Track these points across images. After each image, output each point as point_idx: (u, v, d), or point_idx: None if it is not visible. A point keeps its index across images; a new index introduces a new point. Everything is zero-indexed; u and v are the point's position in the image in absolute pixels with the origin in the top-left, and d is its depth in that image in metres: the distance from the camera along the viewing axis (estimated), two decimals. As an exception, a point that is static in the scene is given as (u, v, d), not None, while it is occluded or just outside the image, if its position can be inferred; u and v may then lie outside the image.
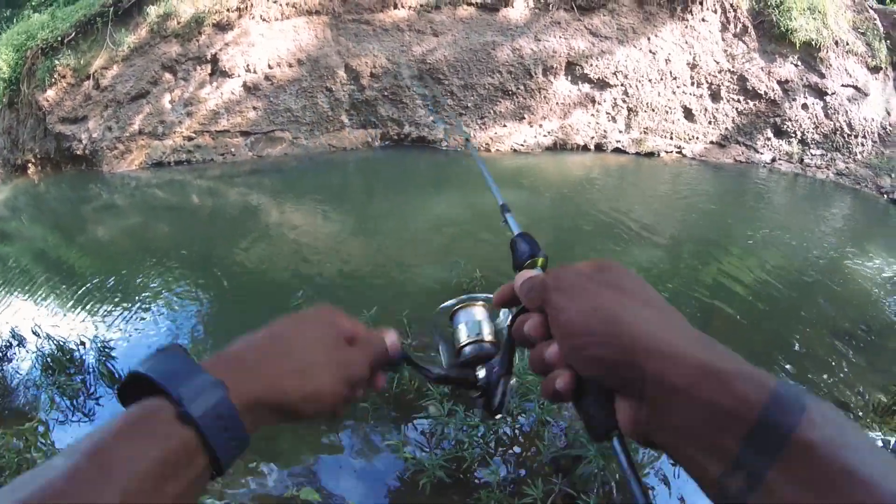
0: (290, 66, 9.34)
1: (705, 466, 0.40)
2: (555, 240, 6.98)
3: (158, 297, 5.28)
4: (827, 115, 11.36)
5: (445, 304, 0.78)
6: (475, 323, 0.74)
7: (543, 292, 0.55)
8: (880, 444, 3.66)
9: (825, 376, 4.56)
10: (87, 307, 5.21)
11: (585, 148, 10.73)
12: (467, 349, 0.73)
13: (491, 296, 0.70)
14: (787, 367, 4.66)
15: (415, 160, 9.63)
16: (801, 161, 11.46)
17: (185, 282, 5.55)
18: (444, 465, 3.09)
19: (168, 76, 9.06)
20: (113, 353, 4.27)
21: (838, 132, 11.47)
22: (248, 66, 9.07)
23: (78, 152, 9.24)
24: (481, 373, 0.71)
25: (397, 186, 8.59)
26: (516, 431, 3.54)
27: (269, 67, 9.22)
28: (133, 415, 0.47)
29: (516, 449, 3.45)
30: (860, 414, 4.17)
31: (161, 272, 5.75)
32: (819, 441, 0.36)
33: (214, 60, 9.03)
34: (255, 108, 9.03)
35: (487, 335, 0.73)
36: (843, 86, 11.42)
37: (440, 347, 0.78)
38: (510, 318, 0.63)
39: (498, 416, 0.69)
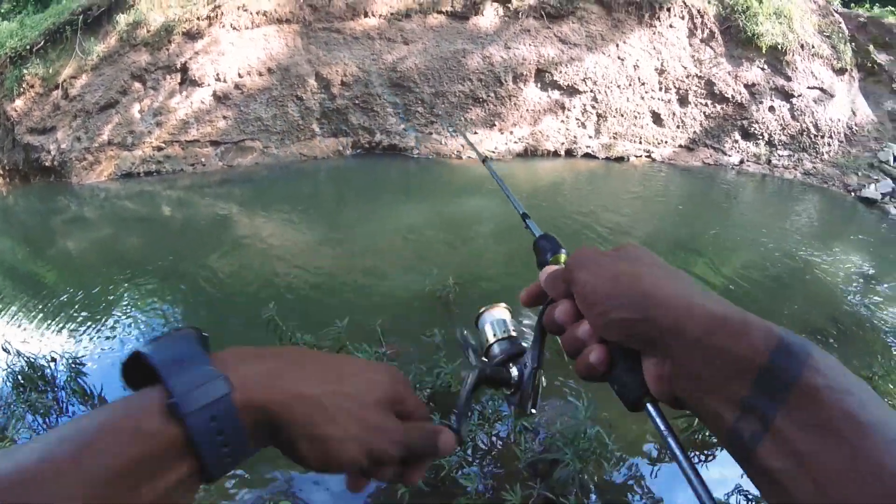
0: (261, 74, 9.46)
1: (721, 413, 0.43)
2: (528, 246, 7.09)
3: (129, 312, 5.33)
4: (793, 117, 11.72)
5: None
6: (500, 321, 0.76)
7: (567, 274, 0.58)
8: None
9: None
10: (58, 322, 5.24)
11: (556, 154, 10.97)
12: (496, 347, 0.74)
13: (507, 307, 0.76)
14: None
15: (386, 168, 9.77)
16: (769, 162, 11.82)
17: (156, 295, 5.60)
18: (421, 473, 3.14)
19: (137, 85, 9.13)
20: (84, 370, 4.28)
21: (805, 133, 11.84)
22: (217, 74, 9.18)
23: (46, 163, 9.27)
24: (513, 371, 0.71)
25: (369, 195, 8.69)
26: (493, 438, 3.64)
27: (240, 76, 9.33)
28: (122, 403, 0.44)
29: (494, 455, 3.54)
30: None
31: (132, 286, 5.80)
32: (823, 386, 0.39)
33: (184, 69, 9.13)
34: (224, 118, 9.12)
35: (514, 332, 0.75)
36: (809, 88, 11.78)
37: (468, 349, 0.77)
38: (540, 312, 0.65)
39: (533, 412, 0.69)
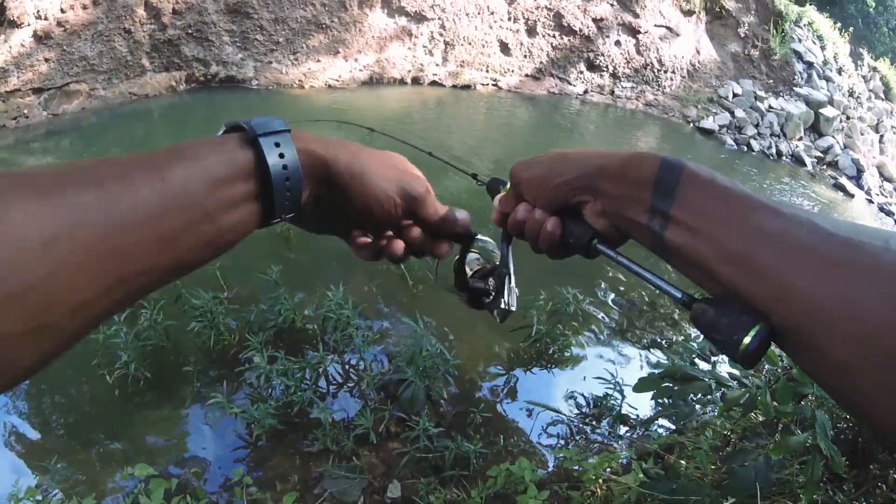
0: (85, 7, 9.41)
1: (638, 220, 0.59)
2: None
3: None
4: (639, 52, 12.80)
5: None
6: (475, 259, 0.90)
7: (515, 181, 0.74)
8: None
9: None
10: None
11: (402, 81, 11.59)
12: (476, 275, 0.89)
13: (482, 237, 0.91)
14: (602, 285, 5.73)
15: (224, 102, 10.08)
16: (612, 93, 13.07)
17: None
18: (274, 413, 3.31)
19: (-49, 22, 9.01)
20: None
21: (649, 67, 13.04)
22: (38, 11, 9.08)
23: None
24: (490, 282, 0.87)
25: (207, 133, 8.95)
26: (345, 367, 3.94)
27: (62, 11, 9.27)
28: (209, 140, 0.57)
29: (346, 385, 3.84)
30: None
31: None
32: (696, 182, 0.55)
33: (2, 10, 9.10)
34: (47, 60, 9.17)
35: (486, 262, 0.91)
36: (656, 26, 12.74)
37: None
38: (503, 231, 0.80)
39: (512, 308, 0.84)
